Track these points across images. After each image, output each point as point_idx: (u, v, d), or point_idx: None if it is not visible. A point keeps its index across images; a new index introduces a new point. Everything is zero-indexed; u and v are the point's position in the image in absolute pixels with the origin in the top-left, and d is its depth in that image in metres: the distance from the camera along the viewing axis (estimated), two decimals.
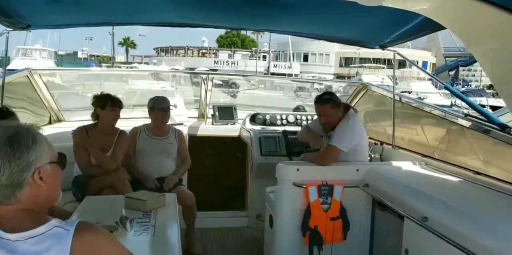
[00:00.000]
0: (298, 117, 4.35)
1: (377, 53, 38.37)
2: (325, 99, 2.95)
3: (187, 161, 3.47)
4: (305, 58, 45.95)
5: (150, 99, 3.39)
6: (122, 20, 3.22)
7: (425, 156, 3.12)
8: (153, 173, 3.23)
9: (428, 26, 2.72)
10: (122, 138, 3.08)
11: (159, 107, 3.30)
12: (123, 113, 3.17)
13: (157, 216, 2.17)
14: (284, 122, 4.30)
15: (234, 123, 4.48)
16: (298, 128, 4.11)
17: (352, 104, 4.35)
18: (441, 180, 2.62)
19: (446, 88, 3.45)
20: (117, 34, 51.15)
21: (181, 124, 4.14)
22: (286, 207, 2.79)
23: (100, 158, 2.94)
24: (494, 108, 13.61)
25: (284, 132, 3.83)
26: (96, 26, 3.42)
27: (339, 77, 36.98)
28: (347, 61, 43.14)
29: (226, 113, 4.50)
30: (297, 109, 4.70)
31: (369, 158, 3.34)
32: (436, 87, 27.30)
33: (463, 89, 30.59)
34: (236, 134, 4.33)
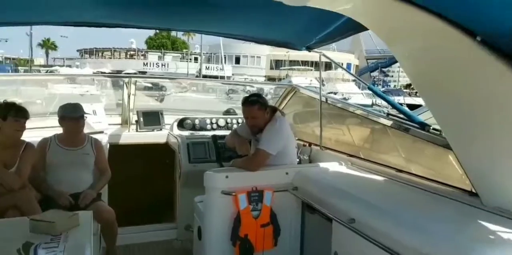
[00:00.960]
0: (229, 120, 4.24)
1: (305, 56, 39.79)
2: (253, 101, 2.89)
3: (107, 173, 3.18)
4: (237, 61, 46.18)
5: (60, 107, 3.05)
6: (37, 19, 2.86)
7: (351, 155, 3.17)
8: (67, 188, 2.89)
9: (351, 27, 2.77)
10: (29, 151, 2.73)
11: (69, 116, 2.98)
12: (37, 122, 2.81)
13: (68, 239, 1.91)
14: (214, 126, 4.16)
15: (161, 129, 4.25)
16: (228, 132, 4.00)
17: (282, 106, 4.34)
18: (366, 180, 2.65)
19: (369, 88, 3.59)
20: (36, 35, 47.44)
21: (101, 132, 3.82)
22: (215, 217, 2.65)
23: (1, 175, 2.57)
24: (410, 106, 14.65)
25: (214, 137, 3.69)
26: (5, 26, 3.00)
27: (270, 79, 37.61)
28: (277, 64, 44.12)
29: (151, 118, 4.25)
30: (227, 112, 4.58)
31: (298, 160, 3.33)
32: (359, 87, 28.86)
33: (383, 89, 32.73)
34: (163, 140, 4.11)
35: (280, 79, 35.30)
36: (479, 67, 1.78)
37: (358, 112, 3.27)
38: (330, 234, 2.28)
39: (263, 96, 3.23)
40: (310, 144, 3.64)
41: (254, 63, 46.06)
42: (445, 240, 1.64)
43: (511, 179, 1.83)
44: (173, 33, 58.15)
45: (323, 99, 3.60)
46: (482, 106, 1.86)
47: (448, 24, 1.73)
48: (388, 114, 2.93)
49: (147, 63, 42.94)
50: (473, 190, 2.07)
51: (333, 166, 2.94)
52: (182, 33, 59.33)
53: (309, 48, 3.41)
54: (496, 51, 1.68)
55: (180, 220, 3.69)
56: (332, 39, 3.21)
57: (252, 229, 2.59)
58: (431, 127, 2.40)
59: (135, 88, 4.32)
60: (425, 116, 2.95)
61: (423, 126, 2.45)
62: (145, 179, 4.15)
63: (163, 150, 4.10)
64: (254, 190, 2.62)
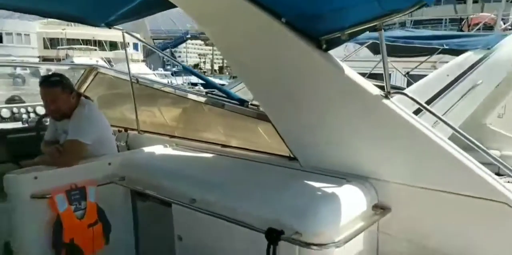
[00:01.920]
0: (16, 110, 3.49)
1: (86, 34, 36.23)
2: (54, 81, 2.50)
3: None
4: None
5: None
6: None
7: (173, 136, 3.12)
8: None
9: (158, 3, 2.63)
10: None
11: None
12: None
13: None
14: None
15: None
16: (19, 124, 3.32)
17: (82, 90, 3.86)
18: (195, 159, 2.66)
19: (184, 68, 3.55)
20: None
21: None
22: (27, 227, 2.19)
23: None
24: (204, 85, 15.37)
25: (2, 132, 2.97)
26: None
27: (46, 60, 32.69)
28: (52, 42, 38.73)
29: None
30: (12, 100, 3.76)
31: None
32: (150, 68, 28.41)
33: (174, 69, 33.26)
34: None
35: (58, 60, 31.25)
36: (285, 46, 1.98)
37: (175, 91, 3.21)
38: (169, 218, 2.21)
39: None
40: (126, 129, 3.38)
41: (22, 41, 39.01)
42: (280, 202, 1.81)
43: (321, 141, 2.15)
44: None
45: (133, 79, 3.37)
46: (291, 81, 2.09)
47: (254, 6, 1.85)
48: (208, 92, 2.98)
49: None
50: (291, 155, 2.34)
51: (158, 149, 2.81)
52: None
53: (108, 25, 3.11)
54: (298, 31, 1.89)
55: None
56: (136, 15, 3.01)
57: (77, 232, 2.25)
58: (250, 103, 2.57)
59: None
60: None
61: (242, 102, 2.60)
62: None
63: None
64: (73, 187, 2.26)
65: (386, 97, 1.86)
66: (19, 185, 2.15)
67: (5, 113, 3.43)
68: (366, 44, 5.48)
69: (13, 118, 3.44)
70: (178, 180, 2.25)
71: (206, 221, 1.98)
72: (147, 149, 2.81)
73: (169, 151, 2.83)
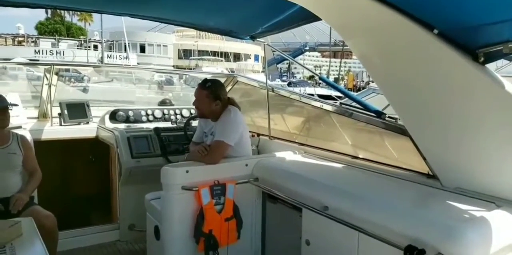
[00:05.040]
0: (166, 111, 4.00)
1: (213, 46, 39.47)
2: (206, 86, 2.79)
3: (37, 174, 2.78)
4: (142, 49, 43.90)
5: None
6: None
7: (302, 144, 3.22)
8: None
9: (302, 17, 2.76)
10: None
11: None
12: None
13: (15, 251, 1.65)
14: (151, 118, 3.89)
15: (88, 122, 3.87)
16: (168, 124, 3.80)
17: None
18: (326, 167, 2.72)
19: (321, 79, 3.66)
20: None
21: (20, 127, 3.31)
22: (175, 215, 2.48)
23: None
24: (320, 96, 15.44)
25: (156, 129, 3.44)
26: None
27: (178, 68, 36.61)
28: (185, 53, 43.07)
29: (77, 111, 3.85)
30: (163, 103, 4.32)
31: None
32: (268, 79, 29.62)
33: (289, 80, 34.14)
34: (92, 135, 3.74)
35: (190, 69, 34.64)
36: (437, 58, 1.88)
37: (310, 102, 3.31)
38: (298, 222, 2.29)
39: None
40: (258, 135, 3.61)
41: (161, 52, 44.25)
42: (421, 219, 1.74)
43: (468, 161, 2.01)
44: (68, 19, 53.38)
45: (269, 88, 3.58)
46: (441, 95, 1.99)
47: (405, 17, 1.80)
48: (342, 103, 3.02)
49: (39, 51, 38.48)
50: (430, 173, 2.23)
51: (289, 155, 2.95)
52: (78, 18, 54.61)
53: (253, 38, 3.35)
54: (452, 43, 1.79)
55: (123, 220, 3.40)
56: (280, 28, 3.18)
57: (216, 224, 2.49)
58: (387, 115, 2.53)
59: (57, 78, 3.85)
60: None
61: (379, 114, 2.57)
62: (75, 178, 3.76)
63: (94, 146, 3.74)
64: (216, 183, 2.50)
65: None
66: (174, 177, 2.45)
67: (158, 113, 3.95)
68: None
69: (164, 118, 3.95)
70: (310, 186, 2.32)
71: (337, 229, 2.00)
72: (279, 154, 2.96)
73: (299, 157, 2.94)
